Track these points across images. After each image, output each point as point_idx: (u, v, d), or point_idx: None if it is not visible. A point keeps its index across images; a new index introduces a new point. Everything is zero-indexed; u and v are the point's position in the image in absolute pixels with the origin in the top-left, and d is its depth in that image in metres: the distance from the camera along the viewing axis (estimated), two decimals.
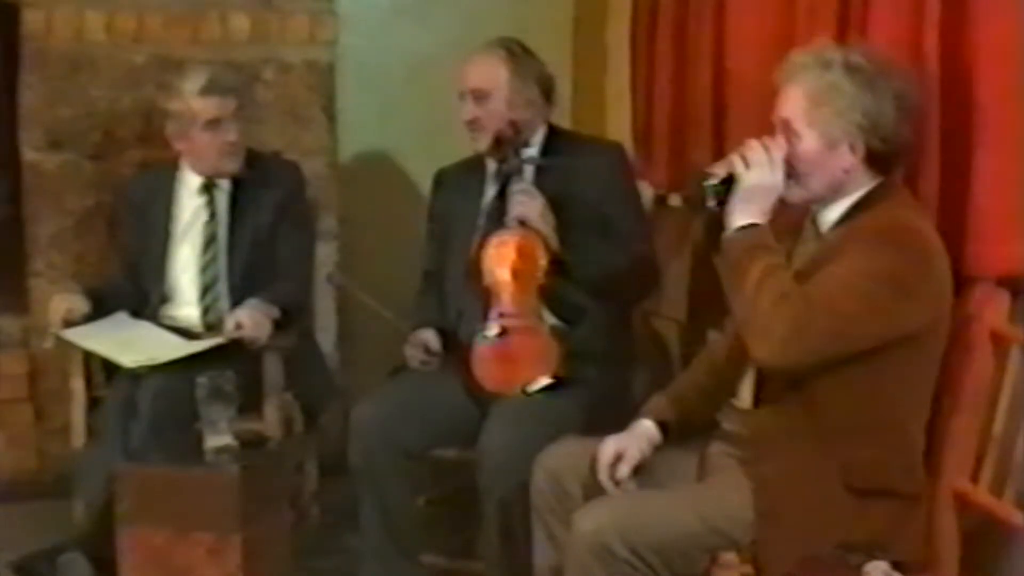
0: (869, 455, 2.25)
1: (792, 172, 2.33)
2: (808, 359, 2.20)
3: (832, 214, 2.35)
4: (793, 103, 2.33)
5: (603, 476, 2.41)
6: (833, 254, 2.27)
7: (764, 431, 2.33)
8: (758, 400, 2.39)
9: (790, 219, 2.47)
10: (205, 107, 3.27)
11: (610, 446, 2.43)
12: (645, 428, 2.48)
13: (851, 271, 2.21)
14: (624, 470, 2.41)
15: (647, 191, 3.42)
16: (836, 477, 2.25)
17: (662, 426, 2.48)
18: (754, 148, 2.32)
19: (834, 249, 2.28)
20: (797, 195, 2.35)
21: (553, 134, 3.17)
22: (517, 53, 3.13)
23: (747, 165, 2.30)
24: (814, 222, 2.39)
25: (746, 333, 2.26)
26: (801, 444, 2.27)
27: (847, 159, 2.30)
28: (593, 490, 2.41)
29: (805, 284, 2.23)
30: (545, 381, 2.90)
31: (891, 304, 2.19)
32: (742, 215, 2.30)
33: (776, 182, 2.30)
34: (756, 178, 2.30)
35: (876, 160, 2.31)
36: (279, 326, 3.22)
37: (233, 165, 3.37)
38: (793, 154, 2.32)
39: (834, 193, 2.34)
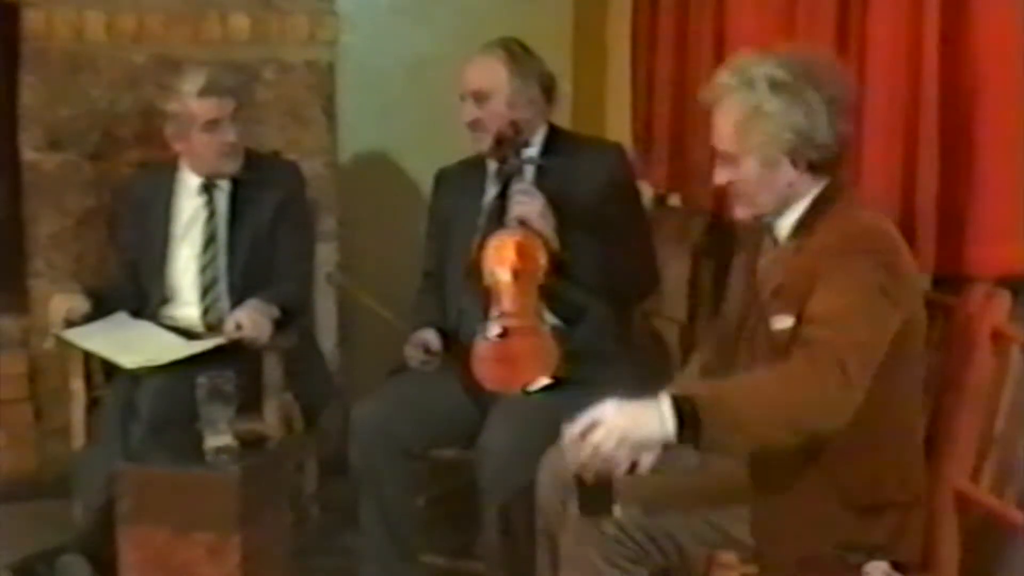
0: (867, 474, 2.22)
1: (739, 193, 2.30)
2: (862, 395, 2.12)
3: (786, 222, 2.31)
4: (724, 132, 2.29)
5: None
6: (808, 275, 2.20)
7: (760, 456, 2.26)
8: None
9: (748, 230, 2.44)
10: (203, 108, 3.27)
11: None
12: None
13: (843, 293, 2.15)
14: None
15: (647, 191, 3.42)
16: (835, 498, 2.22)
17: None
18: (583, 447, 2.09)
19: (806, 270, 2.21)
20: (747, 213, 2.33)
21: (553, 134, 3.17)
22: (517, 53, 3.12)
23: (598, 450, 2.07)
24: (770, 232, 2.36)
25: (811, 425, 2.12)
26: (798, 467, 2.21)
27: (789, 174, 2.26)
28: None
29: (807, 328, 2.15)
30: (545, 381, 2.90)
31: (885, 310, 2.16)
32: (661, 431, 2.06)
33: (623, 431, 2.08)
34: (612, 437, 2.07)
35: (819, 166, 2.27)
36: (279, 326, 3.22)
37: (232, 166, 3.37)
38: (736, 179, 2.29)
39: (784, 205, 2.30)
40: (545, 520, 2.49)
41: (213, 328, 3.30)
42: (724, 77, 2.30)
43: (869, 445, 2.20)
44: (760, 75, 2.24)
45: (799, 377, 2.12)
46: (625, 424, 2.07)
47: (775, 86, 2.23)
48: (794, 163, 2.26)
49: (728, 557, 2.25)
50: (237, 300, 3.29)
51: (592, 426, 2.08)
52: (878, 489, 2.24)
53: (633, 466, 2.16)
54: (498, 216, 3.02)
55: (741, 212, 2.34)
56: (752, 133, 2.24)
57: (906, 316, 2.20)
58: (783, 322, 2.23)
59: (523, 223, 2.92)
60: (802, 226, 2.29)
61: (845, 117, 2.28)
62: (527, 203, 2.93)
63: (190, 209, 3.40)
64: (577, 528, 2.26)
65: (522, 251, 2.91)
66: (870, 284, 2.15)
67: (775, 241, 2.35)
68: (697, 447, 2.08)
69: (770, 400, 2.11)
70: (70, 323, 3.23)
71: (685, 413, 2.05)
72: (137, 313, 3.37)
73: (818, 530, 2.22)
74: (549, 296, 2.95)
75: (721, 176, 2.33)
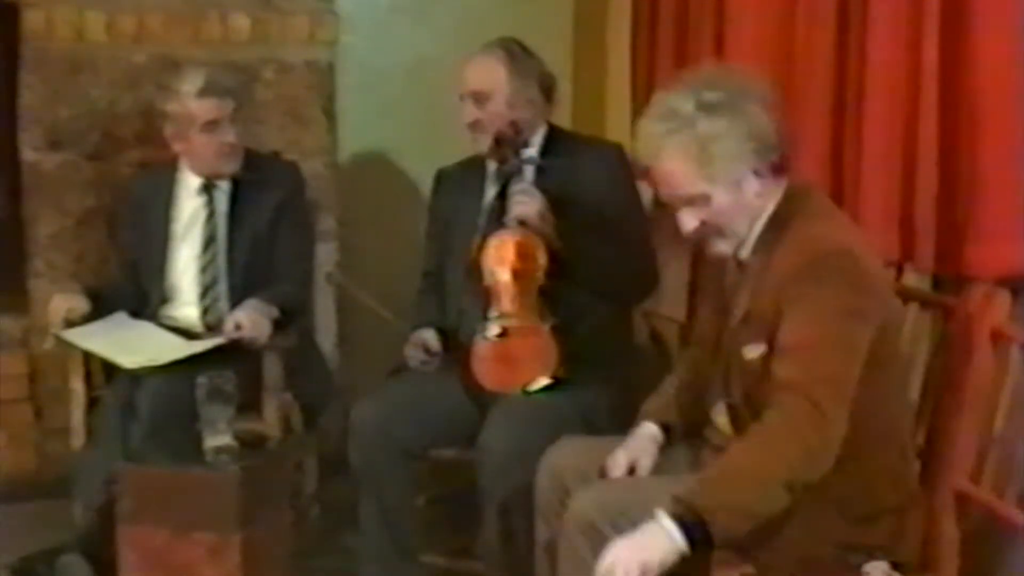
0: (860, 483, 2.21)
1: (715, 230, 2.27)
2: (843, 426, 2.13)
3: (748, 240, 2.30)
4: (683, 176, 2.22)
5: None
6: (774, 301, 2.19)
7: None
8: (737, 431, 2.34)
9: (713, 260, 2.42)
10: (202, 109, 3.27)
11: (621, 457, 2.40)
12: (650, 432, 2.46)
13: (809, 323, 2.14)
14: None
15: (647, 191, 3.41)
16: (831, 511, 2.21)
17: (664, 427, 2.48)
18: None
19: (772, 295, 2.20)
20: (727, 247, 2.30)
21: (553, 134, 3.17)
22: (516, 53, 3.12)
23: None
24: (734, 254, 2.33)
25: (804, 479, 2.13)
26: None
27: (754, 185, 2.24)
28: None
29: (777, 364, 2.15)
30: (545, 381, 2.90)
31: (854, 331, 2.15)
32: (673, 547, 2.07)
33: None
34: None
35: (780, 166, 2.26)
36: (278, 326, 3.22)
37: (231, 166, 3.36)
38: (709, 216, 2.25)
39: (755, 220, 2.28)
40: (544, 520, 2.49)
41: (213, 328, 3.29)
42: (656, 127, 2.24)
43: (859, 455, 2.19)
44: (690, 108, 2.21)
45: (778, 438, 2.12)
46: (640, 555, 2.07)
47: (712, 109, 2.20)
48: (757, 173, 2.23)
49: (728, 557, 2.25)
50: (237, 300, 3.29)
51: (609, 570, 2.07)
52: (872, 497, 2.24)
53: None
54: (498, 216, 3.02)
55: (722, 247, 2.30)
56: (715, 161, 2.20)
57: (880, 323, 2.19)
58: (754, 351, 2.23)
59: (523, 223, 2.92)
60: (764, 242, 2.27)
61: (778, 111, 2.26)
62: (527, 203, 2.93)
63: (190, 209, 3.40)
64: (575, 529, 2.26)
65: (522, 251, 2.91)
66: (836, 309, 2.14)
67: (738, 260, 2.33)
68: (712, 547, 2.09)
69: (759, 474, 2.12)
70: (70, 323, 3.23)
71: (688, 522, 2.07)
72: (137, 313, 3.36)
73: (817, 536, 2.22)
74: (549, 296, 2.95)
75: (690, 222, 2.27)
